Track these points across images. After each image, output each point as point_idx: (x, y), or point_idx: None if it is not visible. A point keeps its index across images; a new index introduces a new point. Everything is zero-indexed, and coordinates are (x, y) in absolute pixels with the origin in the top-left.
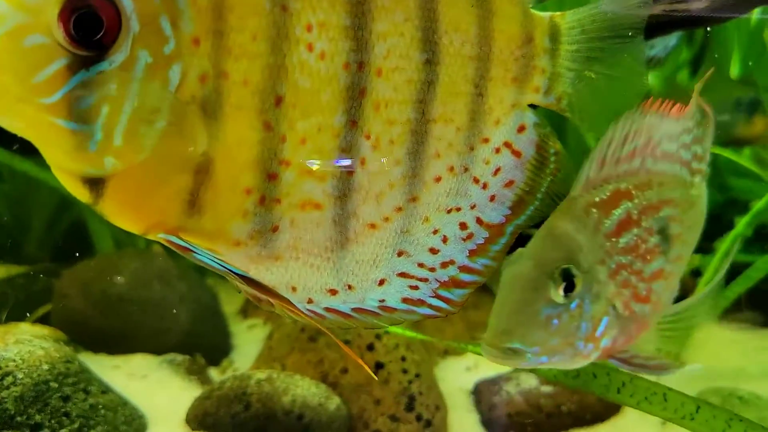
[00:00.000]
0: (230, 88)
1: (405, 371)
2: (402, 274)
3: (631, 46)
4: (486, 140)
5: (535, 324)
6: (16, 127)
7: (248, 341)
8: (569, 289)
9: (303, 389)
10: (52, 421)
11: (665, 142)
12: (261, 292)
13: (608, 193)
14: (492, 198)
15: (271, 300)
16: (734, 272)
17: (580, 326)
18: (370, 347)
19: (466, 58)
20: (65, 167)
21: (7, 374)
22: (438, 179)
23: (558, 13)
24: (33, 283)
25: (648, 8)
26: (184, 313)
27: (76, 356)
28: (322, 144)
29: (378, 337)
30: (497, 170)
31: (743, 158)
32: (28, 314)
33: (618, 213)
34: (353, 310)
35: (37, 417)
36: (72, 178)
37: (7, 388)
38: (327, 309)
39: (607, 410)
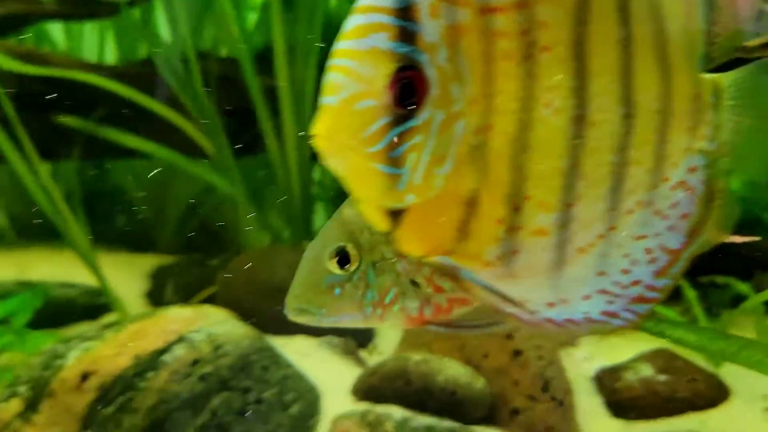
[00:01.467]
0: (494, 138)
1: (540, 357)
2: (601, 291)
3: None
4: (666, 179)
5: (319, 290)
6: (342, 169)
7: (386, 329)
8: (344, 263)
9: (453, 370)
10: (257, 386)
11: None
12: (504, 304)
13: None
14: (671, 228)
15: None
16: None
17: (366, 294)
18: (509, 336)
19: (653, 112)
20: (374, 202)
21: (220, 346)
22: (630, 212)
23: (718, 74)
24: (187, 271)
25: None
26: None
27: (261, 335)
28: (553, 183)
29: (515, 327)
30: (675, 204)
31: None
32: (172, 299)
33: None
34: (565, 320)
35: (246, 382)
36: (377, 210)
37: (222, 357)
38: (546, 319)
39: (719, 396)
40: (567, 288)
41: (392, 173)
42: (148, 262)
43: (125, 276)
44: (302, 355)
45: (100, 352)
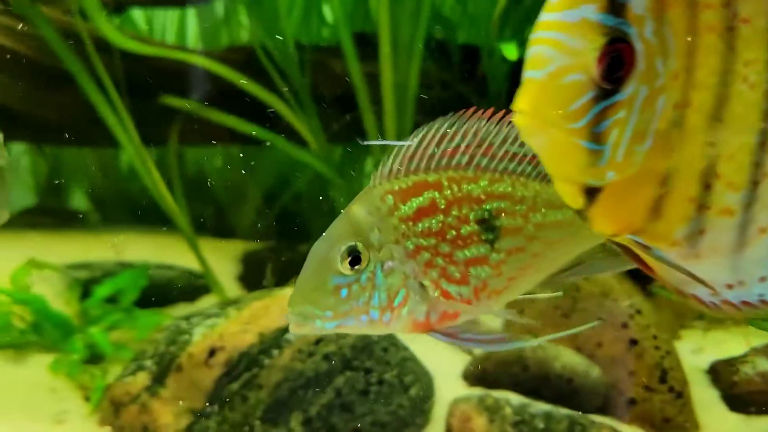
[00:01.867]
0: (691, 113)
1: (657, 348)
2: None
3: None
4: None
5: (325, 291)
6: (541, 145)
7: (485, 316)
8: (355, 262)
9: (569, 357)
10: (379, 367)
11: (512, 145)
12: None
13: (410, 183)
14: None
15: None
16: None
17: (374, 296)
18: (624, 325)
19: None
20: (573, 178)
21: None
22: None
23: None
24: (278, 256)
25: None
26: None
27: None
28: (743, 160)
29: (631, 316)
30: None
31: None
32: (270, 282)
33: (419, 200)
34: (741, 302)
35: (368, 363)
36: (573, 187)
37: (344, 337)
38: (724, 301)
39: None
40: (746, 269)
41: (595, 149)
42: (233, 247)
43: (215, 260)
44: (409, 339)
45: (226, 329)
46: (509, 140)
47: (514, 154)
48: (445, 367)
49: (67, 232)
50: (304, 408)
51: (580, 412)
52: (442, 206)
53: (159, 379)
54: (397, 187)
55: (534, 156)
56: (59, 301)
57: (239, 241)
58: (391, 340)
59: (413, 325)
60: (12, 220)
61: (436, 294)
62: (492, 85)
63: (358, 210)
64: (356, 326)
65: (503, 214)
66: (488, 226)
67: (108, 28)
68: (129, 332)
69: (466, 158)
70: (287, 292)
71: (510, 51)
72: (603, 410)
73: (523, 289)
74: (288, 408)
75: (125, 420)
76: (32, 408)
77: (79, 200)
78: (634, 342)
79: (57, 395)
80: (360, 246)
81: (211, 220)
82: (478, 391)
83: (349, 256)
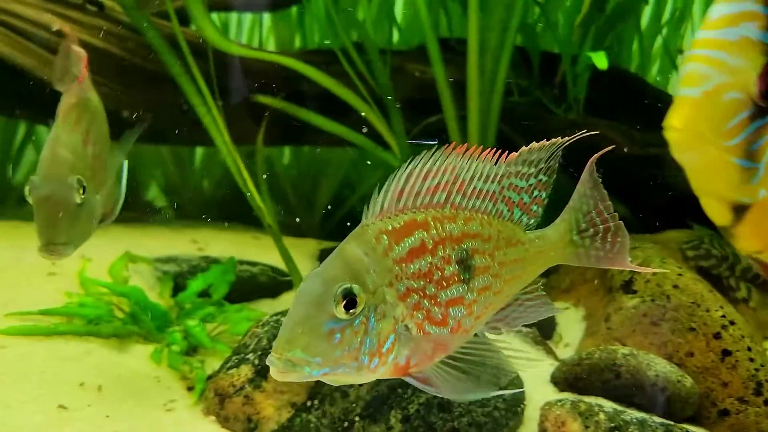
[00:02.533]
0: None
1: (752, 360)
2: None
3: None
4: None
5: (318, 335)
6: (692, 162)
7: (565, 321)
8: (350, 306)
9: (661, 366)
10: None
11: (479, 181)
12: None
13: (402, 222)
14: None
15: None
16: None
17: (365, 341)
18: (717, 336)
19: None
20: (723, 195)
21: None
22: None
23: None
24: None
25: None
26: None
27: None
28: None
29: (724, 327)
30: None
31: None
32: None
33: (410, 241)
34: None
35: None
36: (722, 204)
37: None
38: None
39: None
40: None
41: (749, 167)
42: (307, 244)
43: (292, 257)
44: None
45: None
46: (476, 177)
47: (480, 191)
48: (532, 370)
49: (148, 226)
50: (403, 406)
51: (672, 422)
52: (430, 246)
53: (262, 373)
54: (390, 227)
55: (493, 193)
56: (153, 294)
57: (309, 239)
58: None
59: (394, 369)
60: None
61: (419, 334)
62: (570, 93)
63: (353, 250)
64: (344, 373)
65: (476, 254)
66: (465, 265)
67: (212, 32)
68: (220, 326)
69: (444, 196)
70: None
71: (600, 60)
72: (694, 420)
73: (478, 329)
74: (387, 405)
75: (230, 410)
76: (142, 396)
77: (153, 196)
78: (727, 353)
79: (162, 384)
80: (356, 289)
81: (281, 218)
82: (568, 396)
83: (344, 299)
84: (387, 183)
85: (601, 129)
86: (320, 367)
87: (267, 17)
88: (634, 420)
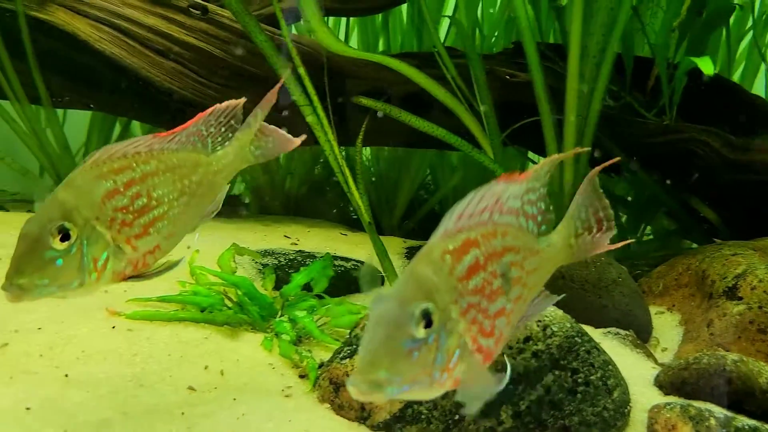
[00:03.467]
0: None
1: None
2: None
3: None
4: None
5: (400, 355)
6: None
7: (661, 325)
8: (428, 325)
9: None
10: (584, 369)
11: (510, 200)
12: None
13: (460, 242)
14: None
15: None
16: None
17: (437, 358)
18: None
19: None
20: None
21: (547, 326)
22: None
23: None
24: None
25: None
26: (617, 294)
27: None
28: None
29: None
30: None
31: None
32: None
33: (467, 259)
34: None
35: (574, 363)
36: None
37: (551, 337)
38: None
39: None
40: None
41: None
42: (392, 242)
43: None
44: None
45: None
46: (510, 196)
47: (511, 208)
48: (634, 372)
49: (239, 221)
50: (515, 402)
51: None
52: (482, 263)
53: None
54: (451, 247)
55: (517, 209)
56: (257, 285)
57: (391, 237)
58: (592, 343)
59: (454, 383)
60: None
61: (474, 348)
62: (664, 97)
63: (424, 270)
64: (418, 390)
65: (513, 266)
66: (506, 278)
67: (326, 34)
68: (322, 318)
69: (488, 215)
70: None
71: (706, 65)
72: None
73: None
74: (498, 401)
75: (344, 399)
76: (261, 382)
77: (240, 191)
78: None
79: (276, 371)
80: (432, 307)
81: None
82: (676, 400)
83: (424, 318)
84: (453, 208)
85: (697, 134)
86: (401, 386)
87: (351, 20)
88: (746, 427)
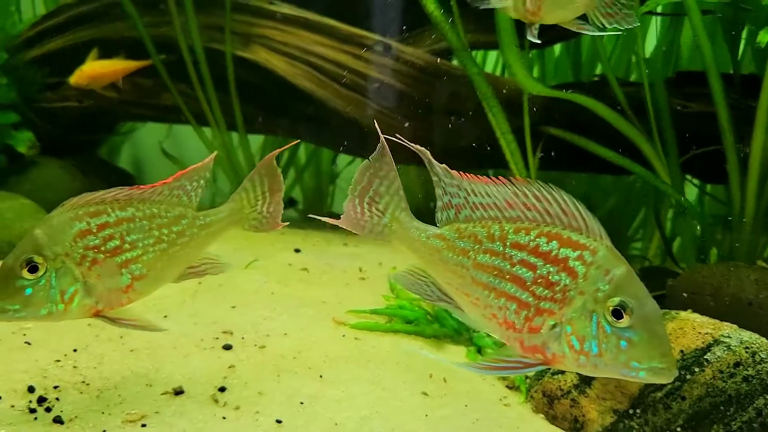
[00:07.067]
0: None
1: None
2: None
3: None
4: None
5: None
6: None
7: None
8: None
9: None
10: None
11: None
12: None
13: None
14: None
15: None
16: None
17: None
18: None
19: None
20: None
21: (756, 353)
22: None
23: None
24: None
25: None
26: None
27: None
28: None
29: None
30: None
31: None
32: None
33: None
34: None
35: None
36: None
37: (760, 363)
38: None
39: None
40: None
41: None
42: None
43: None
44: None
45: None
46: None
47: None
48: None
49: (301, 230)
50: (726, 422)
51: None
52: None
53: (586, 380)
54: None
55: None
56: None
57: None
58: None
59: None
60: None
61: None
62: None
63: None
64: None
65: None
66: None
67: (526, 78)
68: None
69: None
70: (691, 315)
71: None
72: None
73: None
74: (709, 420)
75: (558, 410)
76: (479, 391)
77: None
78: None
79: (487, 382)
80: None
81: None
82: None
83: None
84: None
85: None
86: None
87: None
88: None
